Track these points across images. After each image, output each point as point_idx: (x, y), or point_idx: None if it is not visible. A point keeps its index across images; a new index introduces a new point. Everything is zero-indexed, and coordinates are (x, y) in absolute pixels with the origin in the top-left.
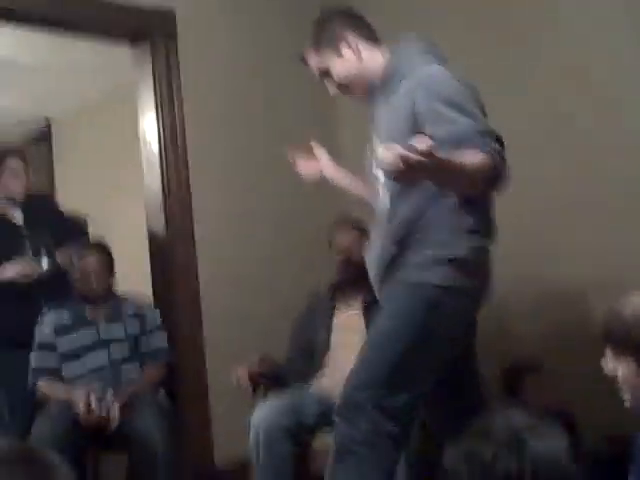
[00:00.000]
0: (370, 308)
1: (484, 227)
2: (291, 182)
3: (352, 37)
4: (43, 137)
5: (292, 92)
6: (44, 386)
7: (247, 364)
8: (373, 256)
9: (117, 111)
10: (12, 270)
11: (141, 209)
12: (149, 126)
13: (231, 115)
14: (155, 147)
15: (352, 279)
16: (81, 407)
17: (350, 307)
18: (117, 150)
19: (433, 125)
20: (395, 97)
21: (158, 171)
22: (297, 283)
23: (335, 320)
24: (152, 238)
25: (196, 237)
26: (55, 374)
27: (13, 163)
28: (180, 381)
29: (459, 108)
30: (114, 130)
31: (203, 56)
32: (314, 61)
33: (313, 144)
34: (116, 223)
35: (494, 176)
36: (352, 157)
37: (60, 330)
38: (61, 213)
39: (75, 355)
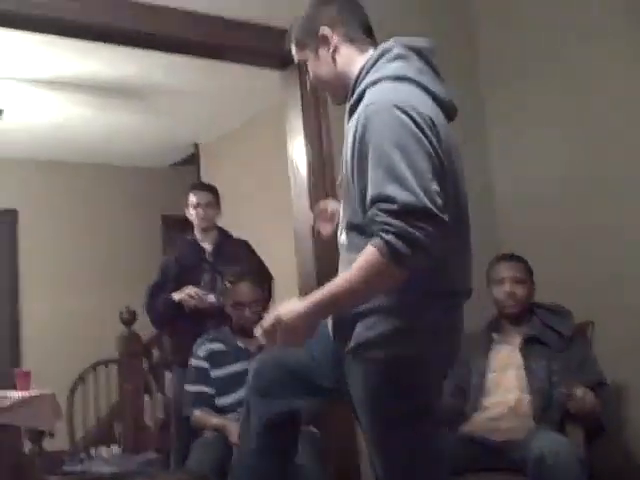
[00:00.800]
0: (530, 344)
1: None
2: None
3: (334, 36)
4: (191, 161)
5: None
6: (199, 416)
7: None
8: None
9: (264, 134)
10: (184, 294)
11: (291, 232)
12: (297, 151)
13: None
14: (304, 172)
15: (513, 314)
16: (237, 438)
17: (508, 343)
18: (264, 173)
19: (367, 180)
20: (355, 115)
21: (306, 196)
22: None
23: (492, 357)
24: (300, 264)
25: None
26: (209, 404)
27: (203, 197)
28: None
29: (391, 167)
30: (261, 153)
31: None
32: (295, 52)
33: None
34: (267, 246)
35: (400, 266)
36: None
37: (214, 360)
38: (238, 238)
39: (228, 385)
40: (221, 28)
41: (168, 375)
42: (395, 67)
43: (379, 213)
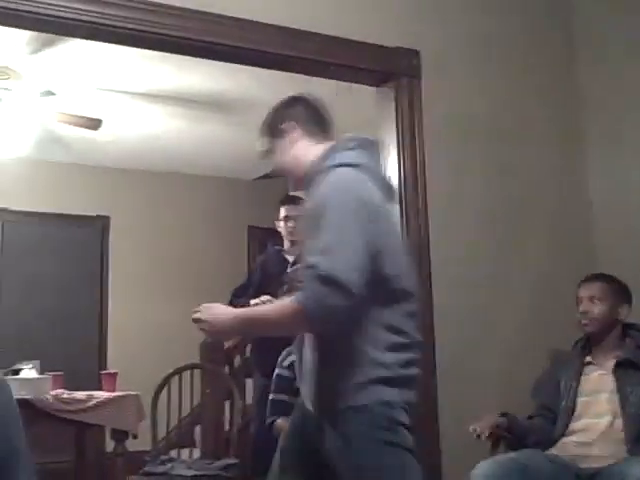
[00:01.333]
0: (623, 367)
1: None
2: (542, 227)
3: (295, 129)
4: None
5: (541, 129)
6: (281, 424)
7: (489, 418)
8: None
9: None
10: (259, 300)
11: None
12: (390, 168)
13: (474, 161)
14: (395, 187)
15: (590, 333)
16: None
17: (600, 366)
18: None
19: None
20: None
21: (399, 214)
22: (537, 339)
23: (583, 380)
24: None
25: (433, 284)
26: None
27: (287, 210)
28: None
29: (328, 238)
30: None
31: (446, 99)
32: (261, 140)
33: None
34: None
35: (307, 322)
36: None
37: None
38: None
39: None
40: (319, 45)
41: (249, 382)
42: (351, 155)
43: (306, 275)
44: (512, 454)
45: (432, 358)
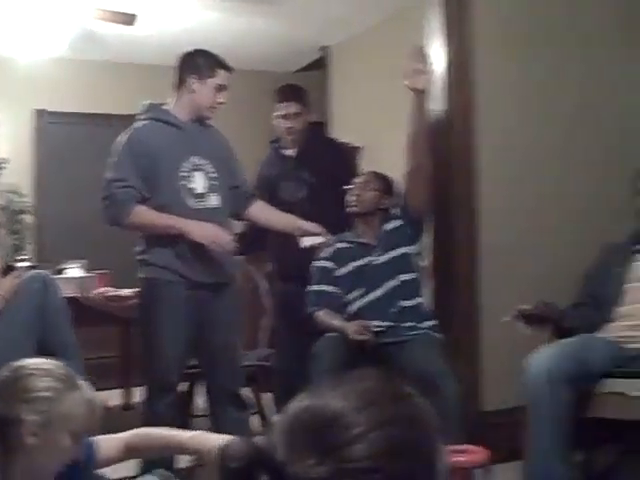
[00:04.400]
0: None
1: None
2: (600, 118)
3: None
4: (319, 65)
5: (602, 27)
6: (321, 316)
7: (528, 305)
8: None
9: (396, 38)
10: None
11: None
12: (436, 52)
13: (523, 50)
14: (441, 75)
15: None
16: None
17: None
18: (395, 78)
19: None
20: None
21: (442, 100)
22: (589, 231)
23: (632, 267)
24: (433, 169)
25: (478, 171)
26: (332, 303)
27: (285, 108)
28: (452, 322)
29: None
30: (392, 58)
31: None
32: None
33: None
34: (392, 152)
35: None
36: None
37: (339, 258)
38: (332, 140)
39: (355, 281)
40: None
41: None
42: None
43: None
44: (567, 340)
45: (476, 249)
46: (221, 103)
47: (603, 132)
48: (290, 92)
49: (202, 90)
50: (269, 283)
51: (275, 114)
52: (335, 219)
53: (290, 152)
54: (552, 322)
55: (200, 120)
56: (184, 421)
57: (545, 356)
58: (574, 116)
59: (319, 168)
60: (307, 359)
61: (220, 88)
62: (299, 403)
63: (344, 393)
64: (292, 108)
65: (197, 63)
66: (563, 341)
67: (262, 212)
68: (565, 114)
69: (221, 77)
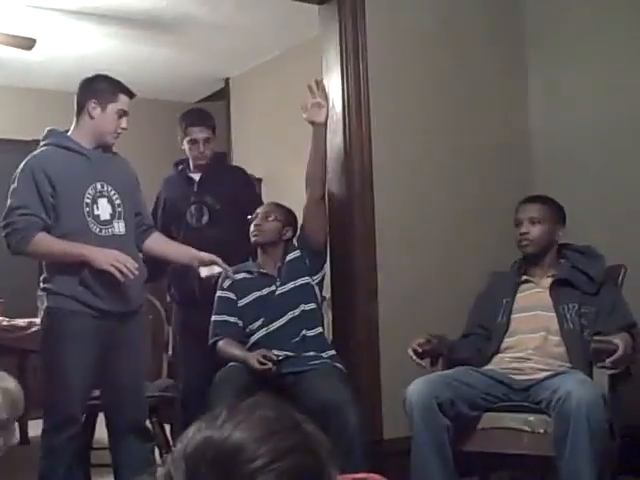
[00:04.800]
0: (559, 286)
1: None
2: (482, 151)
3: None
4: (221, 96)
5: (481, 60)
6: (222, 346)
7: (421, 338)
8: None
9: (296, 70)
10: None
11: None
12: (334, 87)
13: (415, 79)
14: (339, 108)
15: (530, 255)
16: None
17: (537, 285)
18: (296, 110)
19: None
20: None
21: (341, 132)
22: (479, 261)
23: (519, 298)
24: (330, 201)
25: (375, 202)
26: (234, 333)
27: (196, 132)
28: (353, 353)
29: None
30: (292, 89)
31: (391, 17)
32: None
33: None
34: (292, 184)
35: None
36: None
37: (240, 289)
38: (236, 168)
39: (256, 311)
40: None
41: None
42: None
43: None
44: (444, 371)
45: (375, 282)
46: (124, 129)
47: (487, 162)
48: (201, 117)
49: (103, 115)
50: (169, 311)
51: (187, 138)
52: (238, 246)
53: (195, 176)
54: (443, 355)
55: (102, 146)
56: (84, 454)
57: (419, 386)
58: (457, 147)
59: (223, 194)
60: (209, 389)
61: (122, 113)
62: (198, 434)
63: (243, 424)
64: (203, 133)
65: (97, 88)
66: (440, 372)
67: (158, 244)
68: (449, 143)
69: (122, 102)
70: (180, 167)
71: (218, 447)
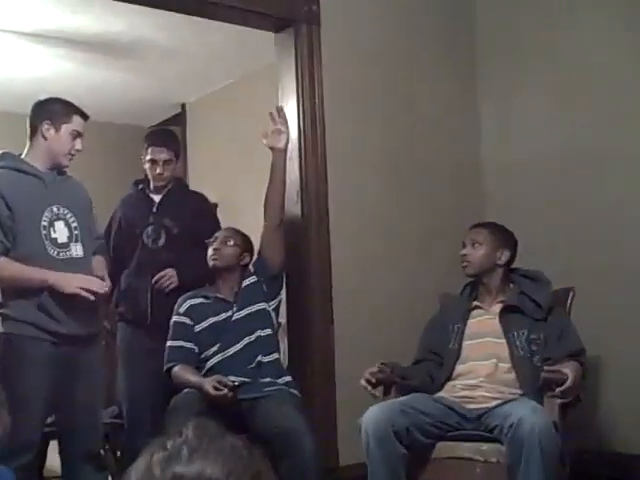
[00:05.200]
0: (509, 312)
1: None
2: (431, 176)
3: None
4: (177, 121)
5: (436, 84)
6: (177, 372)
7: (369, 369)
8: None
9: (251, 96)
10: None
11: None
12: (289, 113)
13: (370, 107)
14: (295, 133)
15: (469, 275)
16: (212, 394)
17: (486, 311)
18: (251, 135)
19: None
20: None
21: (297, 157)
22: (431, 285)
23: (469, 325)
24: (286, 226)
25: (331, 230)
26: (189, 359)
27: (157, 153)
28: (309, 379)
29: None
30: (248, 114)
31: (347, 44)
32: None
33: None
34: (248, 210)
35: None
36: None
37: (196, 314)
38: (195, 192)
39: (211, 336)
40: None
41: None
42: None
43: None
44: (400, 398)
45: (330, 308)
46: (78, 150)
47: (440, 188)
48: (164, 138)
49: (57, 136)
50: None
51: (147, 157)
52: (193, 269)
53: (156, 197)
54: (396, 383)
55: (57, 168)
56: None
57: (375, 413)
58: (410, 175)
59: (182, 219)
60: (161, 414)
61: (76, 134)
62: (167, 470)
63: (210, 455)
64: (163, 154)
65: (51, 109)
66: (396, 399)
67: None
68: (404, 171)
69: (76, 123)
70: (140, 186)
71: None
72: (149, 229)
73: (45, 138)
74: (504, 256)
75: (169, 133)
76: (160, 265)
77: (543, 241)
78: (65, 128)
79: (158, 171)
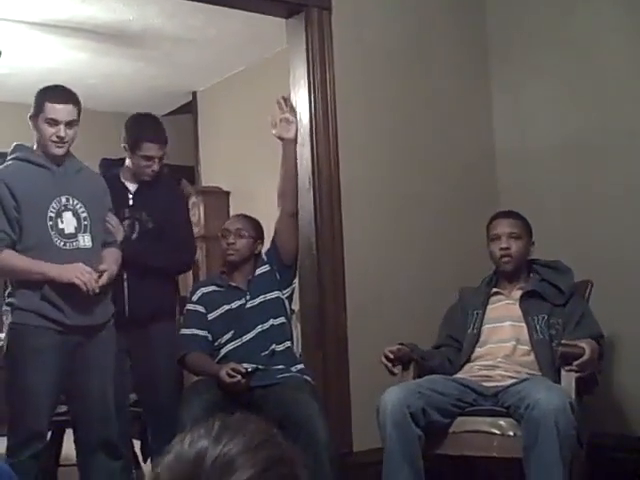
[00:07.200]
0: (529, 297)
1: None
2: (445, 160)
3: None
4: (188, 109)
5: (450, 73)
6: (192, 359)
7: (393, 347)
8: None
9: (262, 83)
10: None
11: None
12: (301, 100)
13: (382, 93)
14: (307, 121)
15: (509, 271)
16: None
17: (507, 297)
18: (263, 123)
19: None
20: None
21: (308, 145)
22: (446, 274)
23: (489, 310)
24: (299, 214)
25: (343, 216)
26: (204, 347)
27: (155, 150)
28: (322, 366)
29: None
30: (259, 102)
31: (358, 30)
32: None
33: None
34: (260, 198)
35: None
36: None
37: (210, 302)
38: (169, 181)
39: (225, 324)
40: None
41: None
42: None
43: None
44: (417, 380)
45: (343, 295)
46: (60, 137)
47: (454, 177)
48: (159, 133)
49: (37, 127)
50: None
51: (140, 153)
52: (163, 263)
53: (131, 186)
54: (415, 363)
55: (51, 158)
56: (51, 471)
57: (392, 395)
58: (425, 161)
59: (157, 211)
60: (178, 402)
61: (50, 122)
62: (195, 443)
63: (237, 436)
64: (160, 151)
65: (34, 101)
66: (412, 381)
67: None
68: (418, 159)
69: (50, 110)
70: (116, 172)
71: (216, 456)
72: (125, 224)
73: (34, 129)
74: (532, 246)
75: (161, 127)
76: (132, 258)
77: (559, 230)
78: (41, 117)
79: (153, 168)
